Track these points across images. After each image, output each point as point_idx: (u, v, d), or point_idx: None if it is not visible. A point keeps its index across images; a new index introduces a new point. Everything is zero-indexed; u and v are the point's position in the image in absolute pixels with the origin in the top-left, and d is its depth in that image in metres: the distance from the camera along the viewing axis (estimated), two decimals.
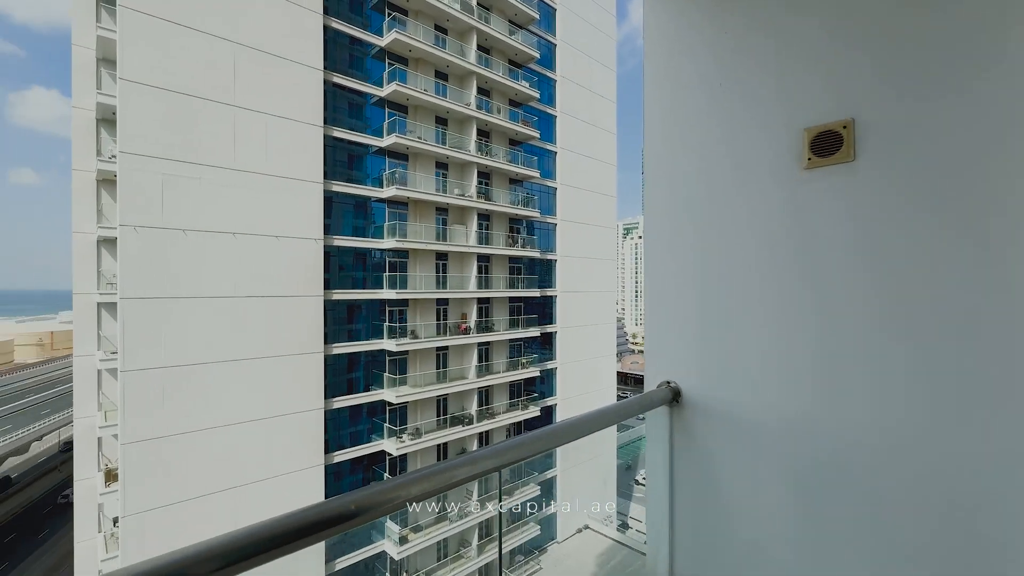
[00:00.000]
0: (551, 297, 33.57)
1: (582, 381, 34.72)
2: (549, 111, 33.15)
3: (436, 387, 26.28)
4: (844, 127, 1.73)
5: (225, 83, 17.94)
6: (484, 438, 28.87)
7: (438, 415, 27.20)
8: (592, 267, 35.48)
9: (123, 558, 16.17)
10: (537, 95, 31.06)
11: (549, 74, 33.17)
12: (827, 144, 1.75)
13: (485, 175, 29.22)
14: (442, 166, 27.57)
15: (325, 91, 21.97)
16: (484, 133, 29.27)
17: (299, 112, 20.53)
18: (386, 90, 24.17)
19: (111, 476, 16.53)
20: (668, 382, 2.16)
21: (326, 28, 22.03)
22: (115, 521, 16.69)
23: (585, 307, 34.77)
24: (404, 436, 24.96)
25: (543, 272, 33.34)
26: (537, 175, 31.14)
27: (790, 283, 1.82)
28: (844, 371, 1.69)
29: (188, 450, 17.34)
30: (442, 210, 27.45)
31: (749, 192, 1.94)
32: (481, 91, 28.57)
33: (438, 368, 27.22)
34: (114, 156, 16.23)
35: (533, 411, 30.90)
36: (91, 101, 16.79)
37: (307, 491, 20.76)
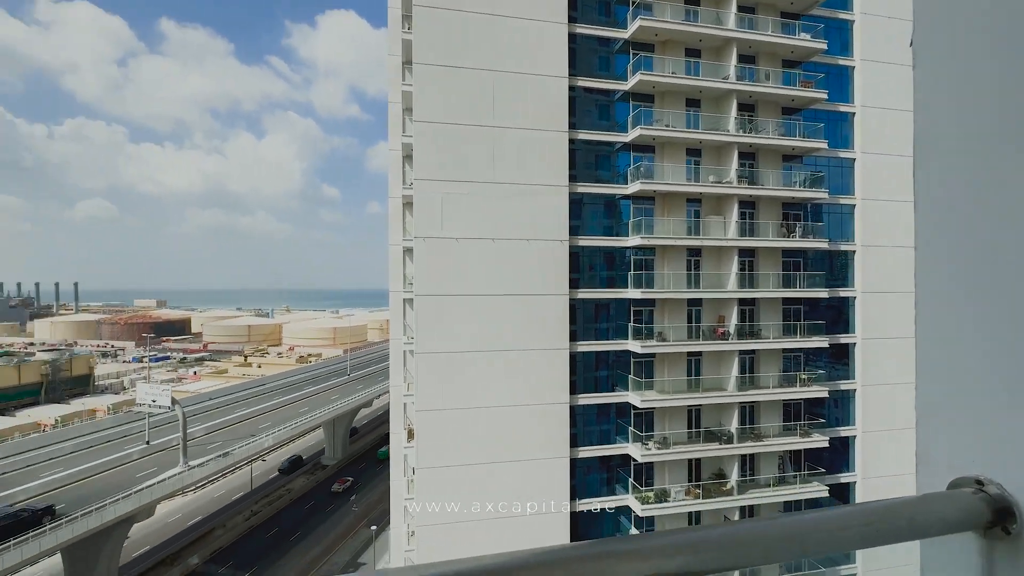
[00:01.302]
0: (847, 299, 26.31)
1: (901, 410, 25.93)
2: (842, 62, 26.06)
3: (687, 396, 24.00)
4: None
5: (485, 108, 20.80)
6: (747, 462, 24.76)
7: (689, 427, 24.78)
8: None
9: (416, 500, 20.54)
10: (823, 46, 24.79)
11: (842, 15, 26.06)
12: None
13: (748, 155, 25.07)
14: (694, 152, 25.03)
15: (571, 97, 22.88)
16: (747, 107, 25.16)
17: (547, 121, 21.97)
18: (630, 82, 23.48)
19: (411, 434, 21.33)
20: (978, 481, 0.97)
21: (571, 35, 22.92)
22: (413, 471, 21.36)
23: (903, 312, 25.84)
24: (650, 443, 23.69)
25: (836, 267, 26.42)
26: (824, 146, 24.87)
27: None
28: None
29: (460, 423, 20.72)
30: (695, 201, 24.91)
31: None
32: (743, 59, 24.65)
33: (690, 375, 24.81)
34: (412, 183, 20.91)
35: (819, 440, 24.73)
36: (399, 143, 22.18)
37: (554, 479, 21.98)
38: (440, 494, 20.65)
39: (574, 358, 23.06)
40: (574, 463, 23.06)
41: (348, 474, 59.04)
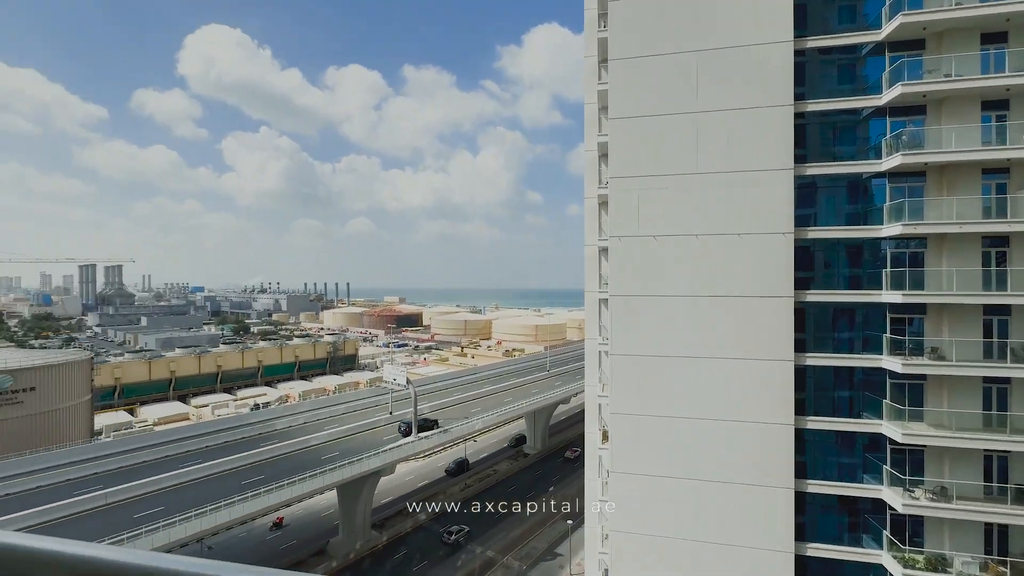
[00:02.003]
0: None
1: None
2: None
3: (982, 436, 17.67)
4: None
5: (686, 93, 18.91)
6: None
7: (987, 479, 18.23)
8: None
9: (611, 503, 19.94)
10: None
11: None
12: None
13: None
14: (996, 105, 18.33)
15: (798, 63, 19.17)
16: None
17: (764, 96, 18.86)
18: (888, 27, 18.47)
19: (605, 436, 20.84)
20: None
21: None
22: (608, 472, 20.81)
23: None
24: (918, 491, 18.23)
25: None
26: None
27: None
28: None
29: (658, 431, 19.34)
30: (995, 172, 18.25)
31: None
32: None
33: (987, 409, 18.27)
34: (607, 182, 20.36)
35: None
36: (594, 143, 21.87)
37: (773, 512, 18.75)
38: (634, 501, 19.63)
39: (802, 372, 19.26)
40: (802, 497, 19.27)
41: (547, 467, 62.02)
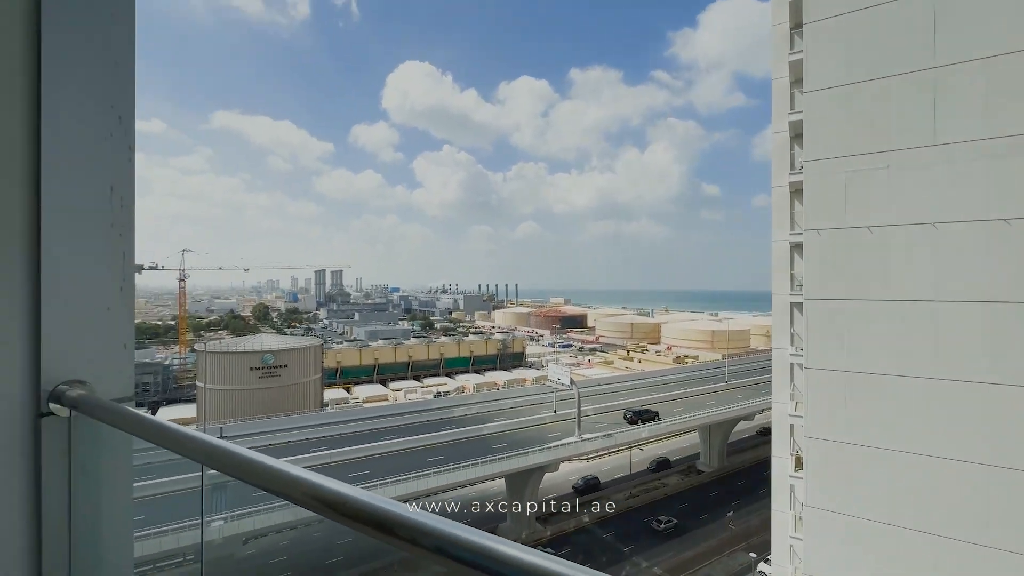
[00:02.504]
0: None
1: None
2: None
3: None
4: None
5: (917, 46, 15.03)
6: None
7: None
8: None
9: (805, 543, 16.98)
10: None
11: None
12: None
13: None
14: None
15: None
16: None
17: None
18: None
19: (799, 462, 17.79)
20: None
21: None
22: (802, 505, 17.82)
23: None
24: None
25: None
26: None
27: None
28: None
29: (870, 465, 15.85)
30: None
31: None
32: None
33: None
34: (802, 166, 17.38)
35: None
36: (784, 123, 18.88)
37: None
38: (835, 545, 16.36)
39: None
40: None
41: (726, 489, 56.40)
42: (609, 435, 48.16)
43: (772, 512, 20.03)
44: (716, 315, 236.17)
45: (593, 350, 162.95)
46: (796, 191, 19.31)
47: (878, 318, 15.77)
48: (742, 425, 64.34)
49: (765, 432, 69.95)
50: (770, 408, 22.01)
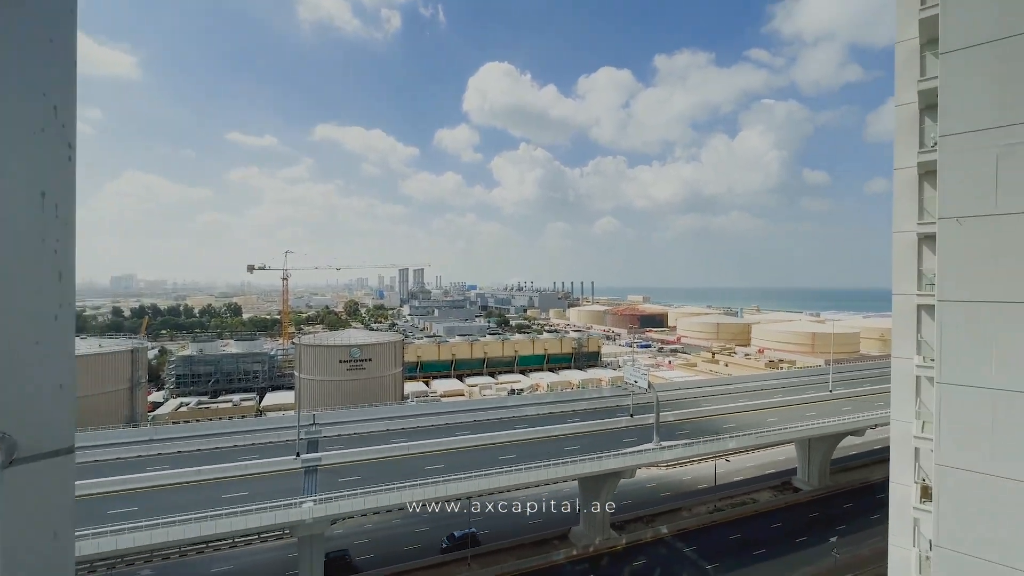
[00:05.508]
0: None
1: None
2: None
3: None
4: None
5: None
6: None
7: None
8: None
9: None
10: None
11: None
12: None
13: None
14: None
15: None
16: None
17: None
18: None
19: (926, 492, 14.98)
20: None
21: None
22: (930, 544, 15.04)
23: None
24: None
25: None
26: None
27: None
28: None
29: (1021, 503, 12.93)
30: None
31: None
32: None
33: None
34: (935, 143, 14.56)
35: None
36: (912, 93, 15.95)
37: None
38: None
39: None
40: None
41: (828, 510, 50.78)
42: (690, 444, 45.10)
43: (889, 547, 17.18)
44: (818, 315, 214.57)
45: (674, 351, 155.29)
46: (927, 173, 16.29)
47: None
48: (849, 440, 57.54)
49: (879, 451, 62.06)
50: (886, 423, 18.88)
